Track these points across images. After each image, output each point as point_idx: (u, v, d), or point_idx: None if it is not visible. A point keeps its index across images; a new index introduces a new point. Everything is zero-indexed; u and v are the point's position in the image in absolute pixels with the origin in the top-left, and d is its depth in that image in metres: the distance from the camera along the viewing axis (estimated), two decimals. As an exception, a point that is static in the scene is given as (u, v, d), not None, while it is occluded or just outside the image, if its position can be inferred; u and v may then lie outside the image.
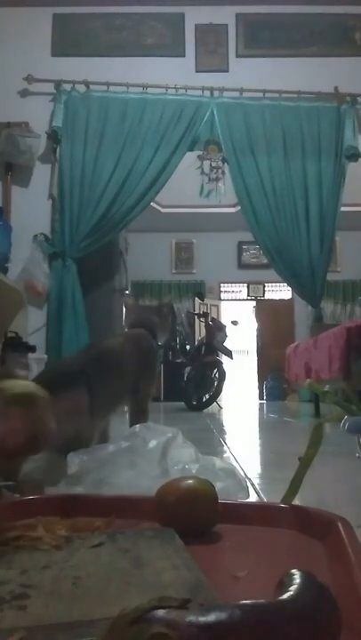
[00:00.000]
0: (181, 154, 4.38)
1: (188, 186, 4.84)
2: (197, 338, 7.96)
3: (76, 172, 4.27)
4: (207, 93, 4.42)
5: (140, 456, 1.01)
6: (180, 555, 0.56)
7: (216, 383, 5.96)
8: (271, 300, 9.74)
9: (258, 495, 1.13)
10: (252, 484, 1.23)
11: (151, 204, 4.92)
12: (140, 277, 8.90)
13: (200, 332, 7.88)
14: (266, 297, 9.78)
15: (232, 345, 6.93)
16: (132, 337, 1.65)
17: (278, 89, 4.41)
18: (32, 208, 4.24)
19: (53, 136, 4.27)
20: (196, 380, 5.99)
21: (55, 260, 4.16)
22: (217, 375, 6.00)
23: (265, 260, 5.22)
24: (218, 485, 0.80)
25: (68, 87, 4.37)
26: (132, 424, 1.47)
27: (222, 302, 9.71)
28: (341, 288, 9.24)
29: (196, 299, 8.09)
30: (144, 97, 4.39)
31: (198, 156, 4.47)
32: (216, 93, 4.43)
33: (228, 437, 2.62)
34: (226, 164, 4.45)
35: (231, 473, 0.99)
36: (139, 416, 1.55)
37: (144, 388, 1.57)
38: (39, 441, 1.00)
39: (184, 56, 4.58)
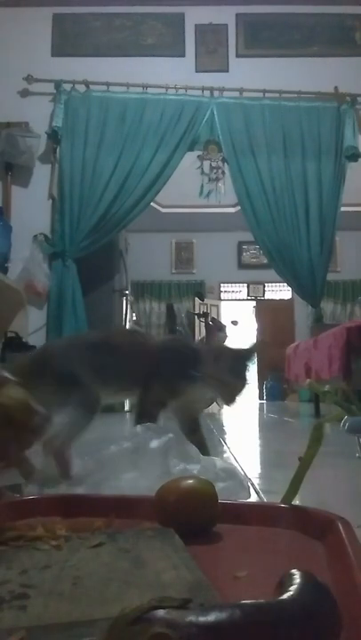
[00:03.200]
0: (181, 154, 4.38)
1: (188, 186, 4.84)
2: (197, 338, 7.95)
3: (76, 172, 4.27)
4: (207, 93, 4.43)
5: (141, 457, 1.01)
6: (180, 555, 0.56)
7: (216, 383, 5.95)
8: (271, 300, 9.74)
9: (258, 495, 1.13)
10: (253, 484, 1.23)
11: (151, 204, 4.92)
12: (140, 277, 8.89)
13: (200, 331, 7.88)
14: (266, 297, 9.78)
15: (232, 345, 6.92)
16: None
17: (278, 89, 4.41)
18: (32, 208, 4.24)
19: (53, 136, 4.28)
20: (196, 380, 5.99)
21: (55, 260, 4.16)
22: (217, 375, 6.00)
23: (265, 260, 5.21)
24: (219, 486, 0.80)
25: (68, 87, 4.37)
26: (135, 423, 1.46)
27: (222, 302, 9.71)
28: (341, 288, 9.24)
29: (196, 299, 8.09)
30: (144, 97, 4.39)
31: (198, 156, 4.47)
32: (216, 93, 4.43)
33: (228, 437, 2.62)
34: (226, 164, 4.45)
35: (232, 473, 0.99)
36: (140, 416, 1.52)
37: (156, 390, 1.50)
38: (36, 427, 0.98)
39: (184, 56, 4.59)
